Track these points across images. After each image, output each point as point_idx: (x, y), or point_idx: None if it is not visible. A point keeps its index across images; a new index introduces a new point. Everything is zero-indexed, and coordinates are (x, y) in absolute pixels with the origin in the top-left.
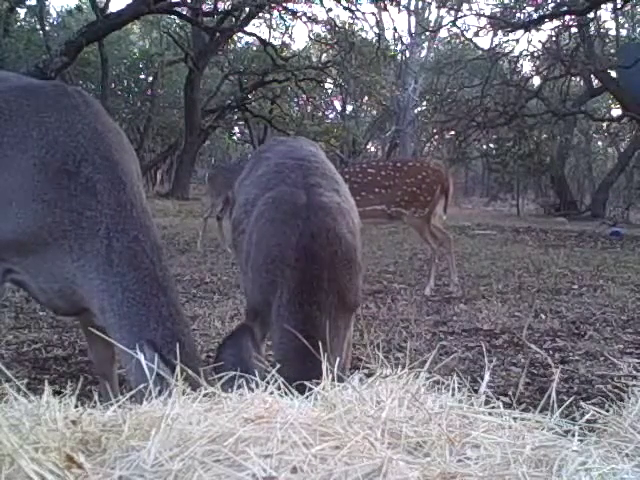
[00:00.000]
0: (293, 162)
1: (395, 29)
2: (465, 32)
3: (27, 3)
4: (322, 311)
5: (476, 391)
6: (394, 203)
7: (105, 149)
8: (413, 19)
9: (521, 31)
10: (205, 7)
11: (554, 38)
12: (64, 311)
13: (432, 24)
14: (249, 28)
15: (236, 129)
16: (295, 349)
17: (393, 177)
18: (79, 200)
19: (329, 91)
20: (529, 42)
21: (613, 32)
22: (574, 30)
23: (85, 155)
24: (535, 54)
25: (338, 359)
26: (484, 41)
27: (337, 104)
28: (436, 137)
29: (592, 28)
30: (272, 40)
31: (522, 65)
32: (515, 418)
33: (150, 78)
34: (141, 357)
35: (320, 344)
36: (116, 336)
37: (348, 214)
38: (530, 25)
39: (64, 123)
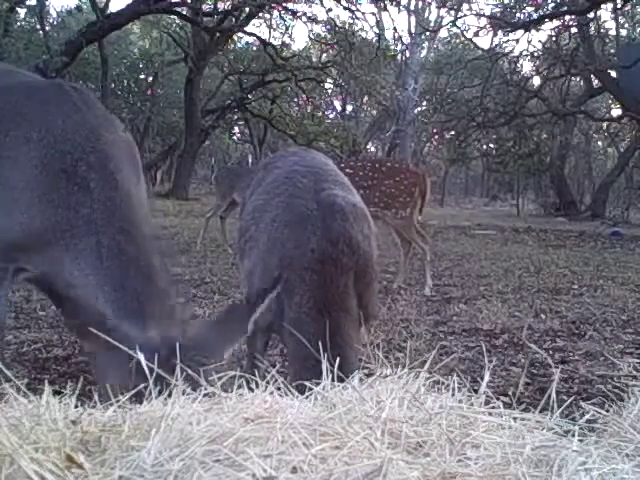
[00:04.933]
0: (304, 169)
1: (395, 29)
2: (465, 32)
3: (27, 3)
4: (348, 319)
5: (476, 391)
6: (372, 204)
7: (100, 147)
8: (413, 19)
9: (521, 31)
10: (205, 7)
11: (554, 38)
12: None
13: (432, 24)
14: (249, 28)
15: (236, 129)
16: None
17: (371, 178)
18: (75, 199)
19: (329, 91)
20: (529, 42)
21: (613, 32)
22: (574, 30)
23: (82, 154)
24: (535, 54)
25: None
26: (484, 41)
27: (337, 104)
28: (436, 137)
29: (592, 28)
30: (272, 40)
31: (522, 65)
32: (515, 418)
33: (150, 78)
34: (141, 357)
35: (347, 353)
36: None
37: (364, 217)
38: (530, 25)
39: (62, 122)
